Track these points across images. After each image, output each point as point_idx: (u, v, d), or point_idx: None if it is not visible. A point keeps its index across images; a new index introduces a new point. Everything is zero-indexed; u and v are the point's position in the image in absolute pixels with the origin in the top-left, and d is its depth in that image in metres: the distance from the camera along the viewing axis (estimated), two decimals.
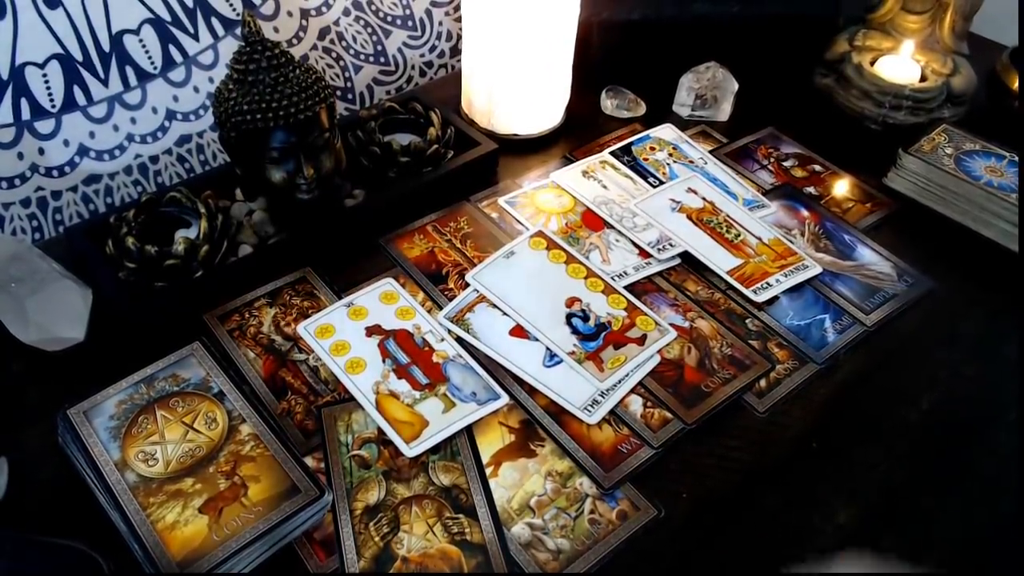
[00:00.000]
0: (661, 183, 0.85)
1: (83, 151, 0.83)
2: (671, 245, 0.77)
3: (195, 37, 0.84)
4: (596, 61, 0.97)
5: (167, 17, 0.81)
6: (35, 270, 0.67)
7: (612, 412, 0.63)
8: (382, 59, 1.01)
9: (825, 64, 0.98)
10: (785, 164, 0.90)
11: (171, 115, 0.87)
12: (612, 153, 0.89)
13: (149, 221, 0.73)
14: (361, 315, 0.69)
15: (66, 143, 0.81)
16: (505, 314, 0.70)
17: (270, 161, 0.70)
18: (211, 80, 0.87)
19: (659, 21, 0.95)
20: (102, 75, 0.80)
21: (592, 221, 0.81)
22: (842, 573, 0.55)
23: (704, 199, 0.82)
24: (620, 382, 0.65)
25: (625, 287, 0.73)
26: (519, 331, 0.69)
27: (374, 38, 0.98)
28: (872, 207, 0.85)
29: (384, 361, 0.65)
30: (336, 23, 0.94)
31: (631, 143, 0.90)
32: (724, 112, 0.96)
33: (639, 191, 0.84)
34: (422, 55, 1.04)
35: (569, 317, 0.70)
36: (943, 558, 0.57)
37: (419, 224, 0.80)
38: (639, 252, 0.77)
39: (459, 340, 0.68)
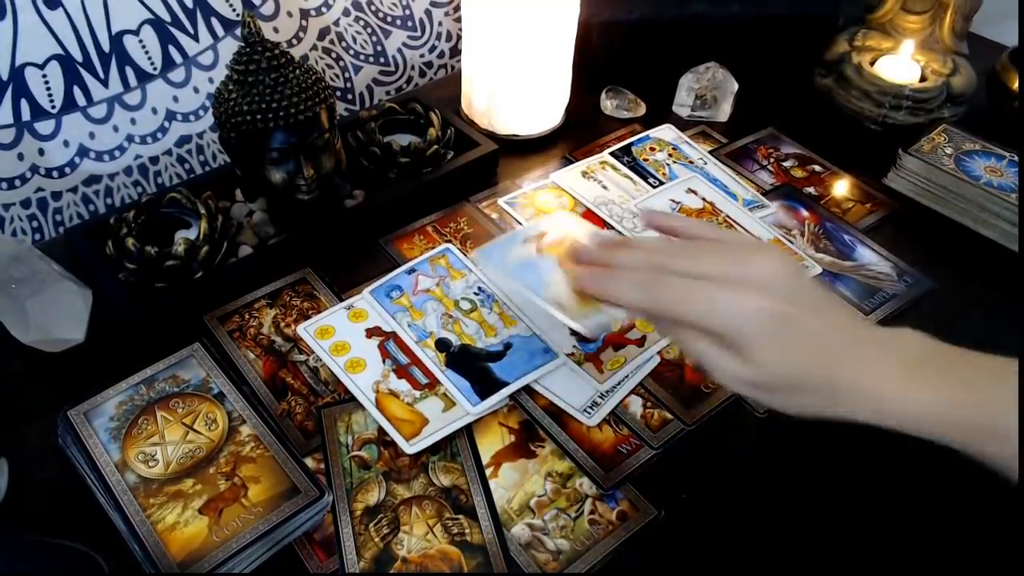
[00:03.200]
0: (661, 183, 0.85)
1: (83, 152, 0.83)
2: None
3: (195, 38, 0.84)
4: (596, 61, 0.97)
5: (167, 18, 0.81)
6: (35, 271, 0.67)
7: (612, 413, 0.63)
8: (382, 59, 1.01)
9: (825, 64, 0.98)
10: (785, 164, 0.90)
11: (171, 116, 0.87)
12: (612, 154, 0.89)
13: (149, 222, 0.73)
14: (361, 317, 0.69)
15: (66, 144, 0.81)
16: None
17: (270, 162, 0.70)
18: (211, 81, 0.87)
19: (659, 21, 0.95)
20: (102, 76, 0.80)
21: (592, 221, 0.81)
22: None
23: (704, 199, 0.82)
24: (620, 384, 0.65)
25: None
26: None
27: (374, 38, 0.99)
28: (872, 207, 0.85)
29: (384, 361, 0.65)
30: (336, 23, 0.94)
31: (631, 143, 0.90)
32: (724, 112, 0.96)
33: (639, 192, 0.84)
34: (422, 55, 1.04)
35: None
36: (942, 558, 0.57)
37: (419, 225, 0.80)
38: None
39: None
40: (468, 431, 0.62)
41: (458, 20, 1.04)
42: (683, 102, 0.96)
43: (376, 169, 0.81)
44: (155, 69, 0.83)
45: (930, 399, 0.49)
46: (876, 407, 0.49)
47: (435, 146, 0.81)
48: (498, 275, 0.66)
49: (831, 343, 0.49)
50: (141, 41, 0.81)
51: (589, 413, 0.63)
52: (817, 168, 0.90)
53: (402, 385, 0.64)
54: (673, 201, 0.82)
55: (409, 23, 1.01)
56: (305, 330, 0.68)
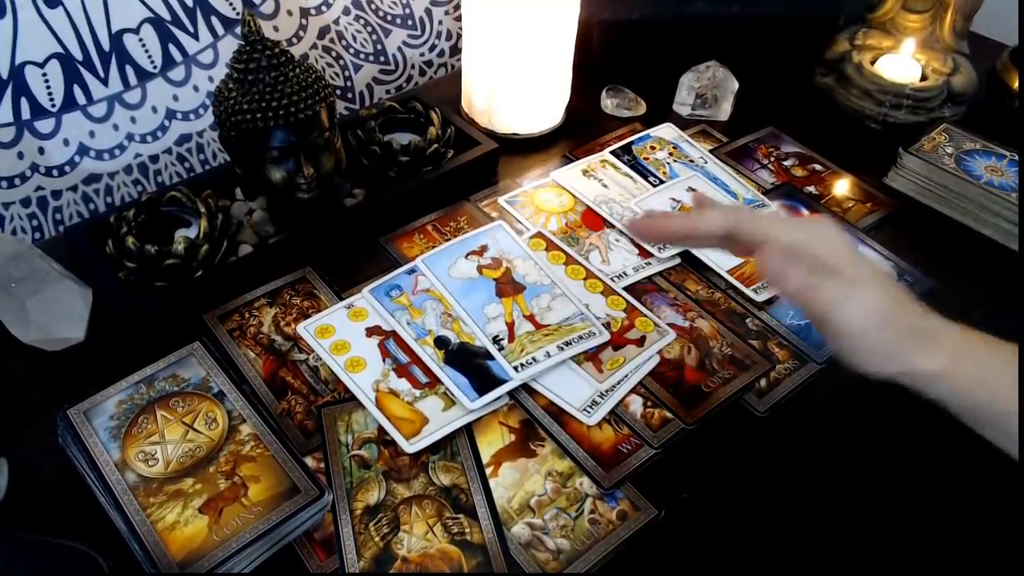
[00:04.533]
0: (661, 182, 0.85)
1: (83, 150, 0.83)
2: (671, 244, 0.77)
3: (195, 36, 0.84)
4: (596, 61, 0.97)
5: (167, 16, 0.81)
6: (35, 270, 0.67)
7: (612, 412, 0.63)
8: (382, 58, 1.01)
9: (825, 63, 0.98)
10: (785, 163, 0.90)
11: (171, 114, 0.87)
12: (612, 152, 0.89)
13: (149, 220, 0.73)
14: (361, 316, 0.69)
15: (66, 142, 0.81)
16: None
17: (270, 160, 0.70)
18: (211, 79, 0.87)
19: (659, 21, 0.95)
20: (102, 74, 0.80)
21: (592, 220, 0.81)
22: None
23: None
24: (619, 383, 0.65)
25: (625, 287, 0.73)
26: None
27: (374, 37, 0.98)
28: (872, 206, 0.85)
29: (384, 360, 0.65)
30: (336, 22, 0.94)
31: (631, 142, 0.90)
32: (724, 111, 0.96)
33: (639, 190, 0.84)
34: (422, 54, 1.04)
35: None
36: (943, 558, 0.57)
37: (419, 223, 0.80)
38: (639, 251, 0.77)
39: None
40: (468, 430, 0.62)
41: (458, 19, 1.04)
42: (684, 101, 0.96)
43: (376, 168, 0.81)
44: (155, 68, 0.83)
45: (980, 367, 0.51)
46: (936, 379, 0.52)
47: (435, 145, 0.81)
48: (441, 288, 0.70)
49: (902, 306, 0.52)
50: (141, 40, 0.81)
51: (589, 412, 0.63)
52: (818, 167, 0.90)
53: (402, 384, 0.64)
54: (673, 200, 0.82)
55: (409, 22, 1.00)
56: (305, 329, 0.68)
